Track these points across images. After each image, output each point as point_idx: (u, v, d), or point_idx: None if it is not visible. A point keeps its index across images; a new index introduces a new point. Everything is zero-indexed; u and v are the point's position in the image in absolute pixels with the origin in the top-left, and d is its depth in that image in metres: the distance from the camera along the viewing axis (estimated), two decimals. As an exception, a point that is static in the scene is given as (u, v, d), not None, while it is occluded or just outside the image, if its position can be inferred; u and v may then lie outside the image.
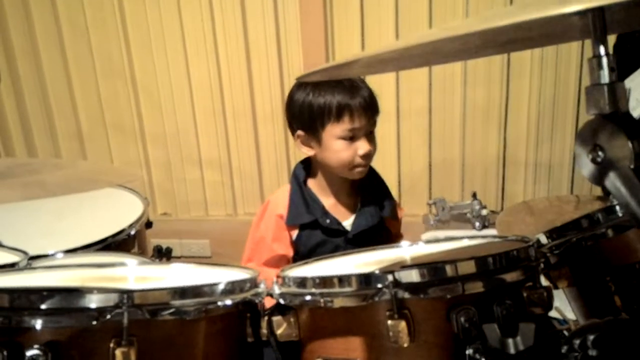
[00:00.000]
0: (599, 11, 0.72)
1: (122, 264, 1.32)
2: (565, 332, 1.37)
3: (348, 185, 1.83)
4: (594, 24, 0.73)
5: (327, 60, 2.86)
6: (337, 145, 1.72)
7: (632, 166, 0.72)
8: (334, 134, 1.72)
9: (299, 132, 1.79)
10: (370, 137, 1.75)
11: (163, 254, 2.81)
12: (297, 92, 1.79)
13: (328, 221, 1.78)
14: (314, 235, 1.79)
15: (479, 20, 0.68)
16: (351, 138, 1.71)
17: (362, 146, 1.71)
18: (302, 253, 1.79)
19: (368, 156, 1.74)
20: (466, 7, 2.71)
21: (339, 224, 1.80)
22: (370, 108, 1.72)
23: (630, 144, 0.72)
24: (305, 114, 1.76)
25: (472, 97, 2.85)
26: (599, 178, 0.76)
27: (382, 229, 1.85)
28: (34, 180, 1.06)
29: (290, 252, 1.81)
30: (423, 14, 2.76)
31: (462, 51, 0.99)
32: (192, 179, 3.24)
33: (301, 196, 1.81)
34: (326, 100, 1.71)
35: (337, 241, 1.79)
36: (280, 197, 1.85)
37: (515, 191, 2.95)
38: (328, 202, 1.82)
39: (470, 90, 2.84)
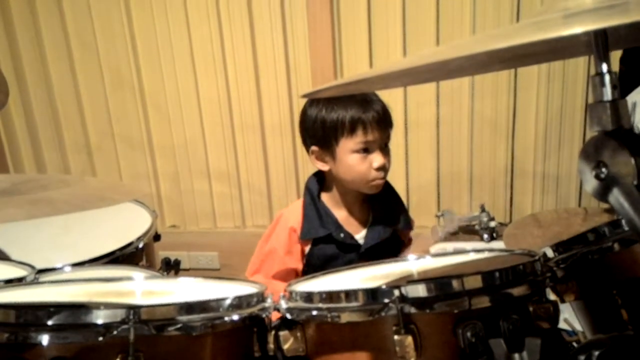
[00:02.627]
0: (601, 30, 0.72)
1: (129, 278, 1.33)
2: (575, 344, 1.37)
3: (361, 199, 1.84)
4: (596, 42, 0.73)
5: (335, 75, 2.87)
6: (351, 160, 1.73)
7: (635, 182, 0.73)
8: (348, 148, 1.72)
9: (314, 148, 1.79)
10: (385, 151, 1.76)
11: (171, 266, 2.81)
12: (310, 108, 1.79)
13: (342, 235, 1.79)
14: (328, 249, 1.80)
15: (485, 39, 0.68)
16: (365, 151, 1.72)
17: (377, 159, 1.72)
18: (315, 266, 1.80)
19: (383, 169, 1.74)
20: (473, 23, 2.72)
21: (352, 238, 1.80)
22: (383, 121, 1.73)
23: (633, 161, 0.72)
24: (318, 129, 1.76)
25: (479, 109, 2.85)
26: (602, 194, 0.77)
27: (394, 241, 1.86)
28: (41, 198, 1.06)
29: (300, 266, 1.82)
30: (430, 28, 2.77)
31: (468, 67, 1.00)
32: (200, 191, 3.25)
33: (315, 210, 1.82)
34: (339, 115, 1.72)
35: (350, 256, 1.79)
36: (294, 211, 1.85)
37: (524, 203, 2.95)
38: (341, 215, 1.83)
39: (477, 102, 2.84)
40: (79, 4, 3.05)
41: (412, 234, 2.01)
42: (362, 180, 1.75)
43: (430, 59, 0.71)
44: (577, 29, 0.58)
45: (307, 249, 1.81)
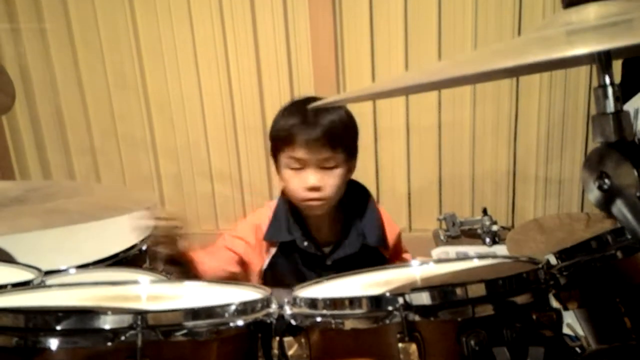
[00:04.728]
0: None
1: (135, 282, 1.34)
2: (577, 349, 1.38)
3: (330, 217, 1.79)
4: (599, 57, 0.74)
5: (338, 77, 2.88)
6: (286, 175, 1.71)
7: (638, 194, 0.73)
8: (283, 162, 1.70)
9: (272, 158, 1.78)
10: (328, 173, 1.69)
11: (173, 268, 2.82)
12: (279, 112, 1.77)
13: (306, 244, 1.74)
14: (292, 259, 1.77)
15: (490, 56, 0.69)
16: (298, 169, 1.68)
17: (309, 178, 1.67)
18: (278, 274, 1.78)
19: (316, 190, 1.68)
20: (474, 35, 2.73)
21: (318, 248, 1.76)
22: (317, 141, 1.66)
23: (635, 172, 0.73)
24: (270, 138, 1.75)
25: (481, 113, 2.85)
26: (605, 204, 0.78)
27: (368, 256, 1.79)
28: (55, 207, 1.07)
29: (257, 261, 1.80)
30: (432, 30, 2.78)
31: (470, 78, 1.00)
32: (202, 192, 3.26)
33: (286, 212, 1.78)
34: (281, 125, 1.69)
35: (315, 270, 1.75)
36: (266, 210, 1.83)
37: (526, 207, 2.95)
38: (311, 223, 1.79)
39: (479, 106, 2.85)
40: (84, 6, 3.06)
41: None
42: (297, 198, 1.71)
43: (436, 76, 0.72)
44: (581, 49, 0.59)
45: (272, 250, 1.78)
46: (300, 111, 1.67)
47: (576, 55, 0.58)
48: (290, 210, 1.79)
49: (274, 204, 1.84)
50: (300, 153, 1.66)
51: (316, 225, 1.79)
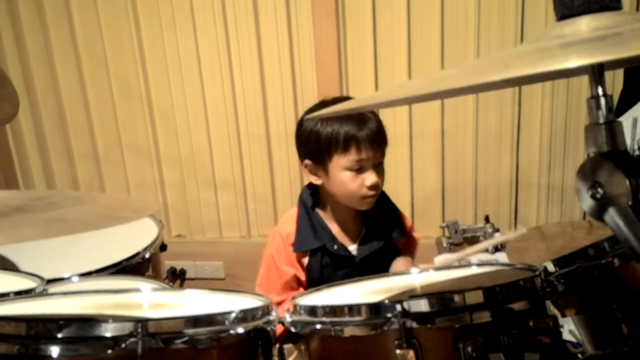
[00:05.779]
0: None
1: (136, 290, 1.35)
2: (580, 355, 1.38)
3: (354, 212, 1.83)
4: (592, 69, 0.75)
5: (341, 86, 2.89)
6: (343, 176, 1.72)
7: (630, 203, 0.74)
8: (340, 165, 1.72)
9: (307, 162, 1.80)
10: (379, 169, 1.75)
11: (177, 276, 2.83)
12: (306, 121, 1.79)
13: (336, 247, 1.79)
14: (323, 261, 1.80)
15: (489, 66, 0.70)
16: (358, 169, 1.71)
17: (369, 177, 1.71)
18: (314, 279, 1.81)
19: (376, 187, 1.73)
20: (477, 43, 2.74)
21: (346, 249, 1.81)
22: (377, 140, 1.72)
23: (627, 182, 0.74)
24: (312, 143, 1.76)
25: (484, 120, 2.85)
26: (598, 213, 0.78)
27: (388, 250, 1.87)
28: (55, 217, 1.08)
29: (302, 276, 1.82)
30: (435, 39, 2.78)
31: (467, 88, 1.01)
32: (206, 201, 3.26)
33: (308, 221, 1.82)
34: (333, 131, 1.71)
35: (344, 269, 1.80)
36: (287, 221, 1.86)
37: (528, 214, 2.95)
38: (334, 227, 1.84)
39: (482, 113, 2.85)
40: (88, 15, 3.07)
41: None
42: (354, 197, 1.75)
43: (438, 87, 0.73)
44: (574, 62, 0.60)
45: (305, 260, 1.82)
46: (348, 116, 1.71)
47: (571, 68, 0.59)
48: (311, 217, 1.84)
49: (290, 216, 1.87)
50: (365, 154, 1.71)
51: (341, 225, 1.85)
